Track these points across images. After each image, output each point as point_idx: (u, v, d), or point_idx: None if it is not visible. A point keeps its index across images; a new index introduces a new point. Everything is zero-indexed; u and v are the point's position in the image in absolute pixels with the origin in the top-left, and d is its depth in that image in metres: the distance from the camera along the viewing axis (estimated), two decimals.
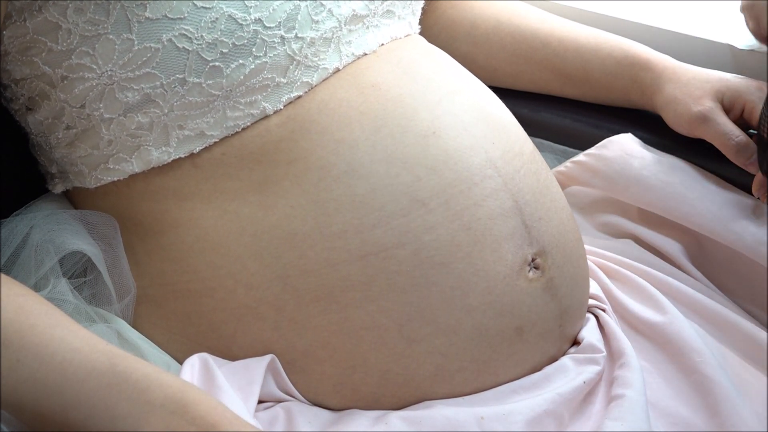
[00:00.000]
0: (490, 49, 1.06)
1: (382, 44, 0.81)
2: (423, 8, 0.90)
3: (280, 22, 0.74)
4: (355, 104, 0.77)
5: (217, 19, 0.72)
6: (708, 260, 0.94)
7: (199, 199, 0.77)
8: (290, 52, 0.75)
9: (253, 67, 0.74)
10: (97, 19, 0.72)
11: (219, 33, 0.73)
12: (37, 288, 0.75)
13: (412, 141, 0.76)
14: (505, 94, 0.93)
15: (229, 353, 0.76)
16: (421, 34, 0.89)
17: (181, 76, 0.73)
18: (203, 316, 0.76)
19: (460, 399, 0.76)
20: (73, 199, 0.82)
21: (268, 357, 0.75)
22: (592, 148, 1.00)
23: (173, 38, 0.72)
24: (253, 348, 0.75)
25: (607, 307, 0.87)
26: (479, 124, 0.79)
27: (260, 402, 0.75)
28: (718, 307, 0.88)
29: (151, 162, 0.76)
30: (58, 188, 0.82)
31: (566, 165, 1.01)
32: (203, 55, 0.73)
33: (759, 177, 0.95)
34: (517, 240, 0.76)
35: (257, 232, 0.75)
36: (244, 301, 0.75)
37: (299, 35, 0.75)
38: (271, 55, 0.74)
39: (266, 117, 0.76)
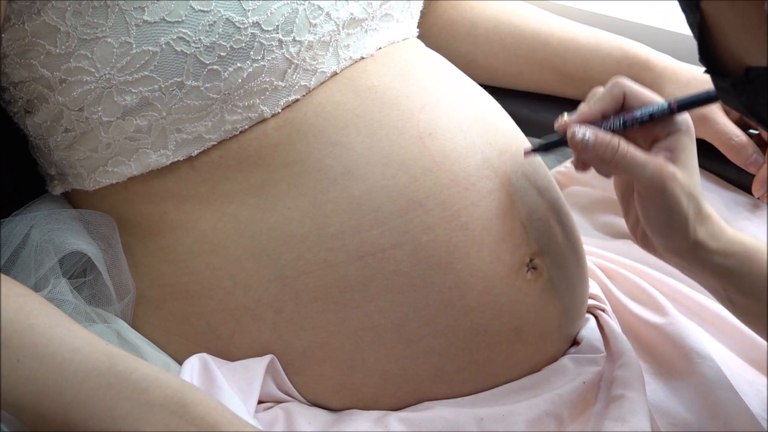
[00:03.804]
0: (490, 49, 1.06)
1: (380, 48, 0.81)
2: (422, 9, 0.90)
3: (278, 26, 0.74)
4: (351, 107, 0.77)
5: (215, 22, 0.73)
6: None
7: (197, 201, 0.77)
8: (288, 56, 0.75)
9: (251, 70, 0.74)
10: (96, 23, 0.72)
11: (217, 36, 0.73)
12: (37, 288, 0.75)
13: (409, 143, 0.76)
14: (505, 94, 0.93)
15: (228, 354, 0.76)
16: (421, 34, 0.90)
17: (179, 80, 0.73)
18: (202, 317, 0.77)
19: (459, 400, 0.76)
20: (72, 200, 0.83)
21: (268, 357, 0.75)
22: None
23: (171, 41, 0.72)
24: (251, 349, 0.76)
25: (607, 307, 0.87)
26: (475, 125, 0.79)
27: (260, 402, 0.75)
28: (718, 308, 0.87)
29: (150, 165, 0.76)
30: (57, 190, 0.82)
31: (566, 165, 1.02)
32: (201, 59, 0.73)
33: (759, 177, 0.95)
34: (515, 240, 0.77)
35: (255, 233, 0.75)
36: (243, 302, 0.75)
37: (297, 39, 0.75)
38: (269, 58, 0.74)
39: (264, 120, 0.76)
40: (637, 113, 0.74)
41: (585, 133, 0.72)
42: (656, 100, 0.74)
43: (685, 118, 0.75)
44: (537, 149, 0.77)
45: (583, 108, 0.75)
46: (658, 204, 0.72)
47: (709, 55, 0.59)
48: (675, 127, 0.74)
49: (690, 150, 0.74)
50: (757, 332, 0.78)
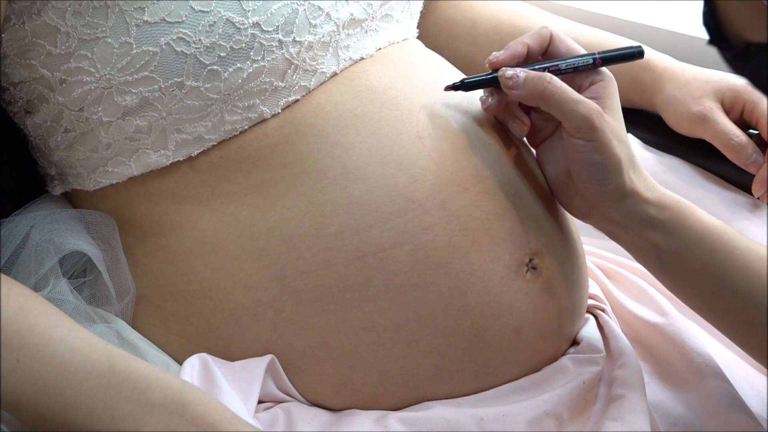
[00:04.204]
0: (490, 49, 1.05)
1: (380, 48, 0.81)
2: (422, 9, 0.90)
3: (278, 26, 0.74)
4: (350, 107, 0.77)
5: (215, 22, 0.73)
6: None
7: (197, 201, 0.77)
8: (288, 56, 0.75)
9: (251, 70, 0.74)
10: (96, 23, 0.72)
11: (217, 37, 0.73)
12: (37, 288, 0.75)
13: (408, 143, 0.76)
14: None
15: (228, 354, 0.76)
16: (421, 34, 0.90)
17: (179, 80, 0.73)
18: (201, 317, 0.77)
19: (459, 400, 0.76)
20: (72, 200, 0.83)
21: (268, 357, 0.75)
22: None
23: (171, 42, 0.72)
24: (251, 348, 0.76)
25: (607, 307, 0.87)
26: (475, 126, 0.79)
27: (260, 402, 0.75)
28: None
29: (150, 165, 0.76)
30: (57, 190, 0.82)
31: None
32: (201, 59, 0.73)
33: (759, 177, 0.95)
34: (515, 240, 0.76)
35: (255, 233, 0.75)
36: (242, 302, 0.75)
37: (297, 39, 0.75)
38: (269, 59, 0.74)
39: (263, 120, 0.76)
40: (562, 64, 0.76)
41: (516, 71, 0.75)
42: (580, 49, 0.77)
43: (606, 69, 0.77)
44: (459, 86, 0.78)
45: (510, 43, 0.77)
46: (590, 145, 0.73)
47: (713, 25, 0.60)
48: (599, 76, 0.76)
49: (615, 98, 0.76)
50: (684, 298, 0.78)
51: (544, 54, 0.78)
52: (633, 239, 0.76)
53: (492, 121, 0.81)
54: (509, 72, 0.75)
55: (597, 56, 0.76)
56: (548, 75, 0.74)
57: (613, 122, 0.74)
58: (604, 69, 0.77)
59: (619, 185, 0.74)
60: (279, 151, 0.76)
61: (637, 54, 0.77)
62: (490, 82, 0.77)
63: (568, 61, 0.76)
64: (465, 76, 0.78)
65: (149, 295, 0.79)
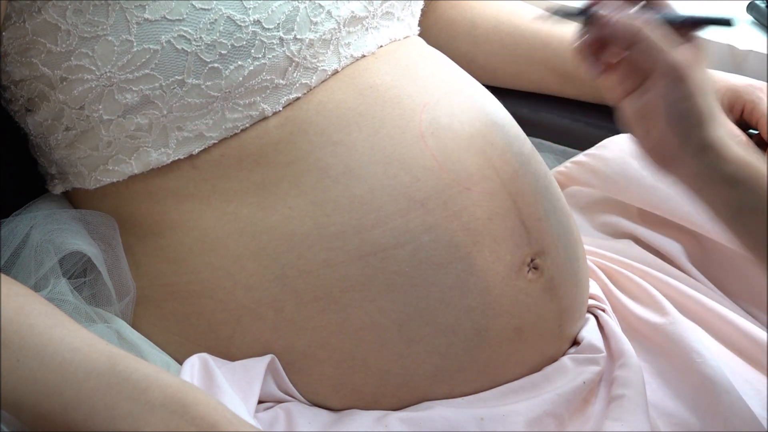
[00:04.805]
0: (490, 49, 1.06)
1: (381, 46, 0.81)
2: (423, 8, 0.90)
3: (278, 24, 0.74)
4: (353, 106, 0.77)
5: (215, 20, 0.73)
6: (708, 260, 0.94)
7: (198, 200, 0.77)
8: (289, 54, 0.75)
9: (251, 68, 0.74)
10: (96, 21, 0.72)
11: (218, 34, 0.73)
12: (37, 288, 0.75)
13: (410, 142, 0.76)
14: (505, 93, 0.93)
15: (228, 354, 0.76)
16: (421, 34, 0.90)
17: (180, 78, 0.73)
18: (202, 316, 0.77)
19: (459, 400, 0.76)
20: (73, 199, 0.83)
21: (268, 357, 0.75)
22: (592, 148, 1.00)
23: (172, 40, 0.72)
24: (252, 348, 0.76)
25: (607, 307, 0.87)
26: (477, 125, 0.79)
27: (260, 402, 0.75)
28: (718, 308, 0.88)
29: (150, 163, 0.76)
30: (58, 189, 0.82)
31: (566, 165, 1.02)
32: (202, 57, 0.73)
33: None
34: (516, 240, 0.77)
35: (256, 232, 0.75)
36: (243, 302, 0.75)
37: (298, 37, 0.75)
38: (270, 56, 0.74)
39: (265, 118, 0.76)
40: (654, 14, 0.74)
41: (612, 9, 0.73)
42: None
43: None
44: (554, 14, 0.77)
45: None
46: (676, 94, 0.72)
47: None
48: (689, 42, 0.75)
49: (703, 63, 0.74)
50: (763, 260, 0.76)
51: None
52: (711, 195, 0.74)
53: (494, 120, 0.81)
54: (605, 9, 0.73)
55: (689, 16, 0.75)
56: (641, 20, 0.73)
57: (701, 76, 0.73)
58: (695, 37, 0.75)
59: (702, 138, 0.72)
60: (281, 149, 0.76)
61: (728, 21, 0.76)
62: (583, 17, 0.75)
63: (662, 13, 0.75)
64: (563, 8, 0.76)
65: (150, 294, 0.78)
